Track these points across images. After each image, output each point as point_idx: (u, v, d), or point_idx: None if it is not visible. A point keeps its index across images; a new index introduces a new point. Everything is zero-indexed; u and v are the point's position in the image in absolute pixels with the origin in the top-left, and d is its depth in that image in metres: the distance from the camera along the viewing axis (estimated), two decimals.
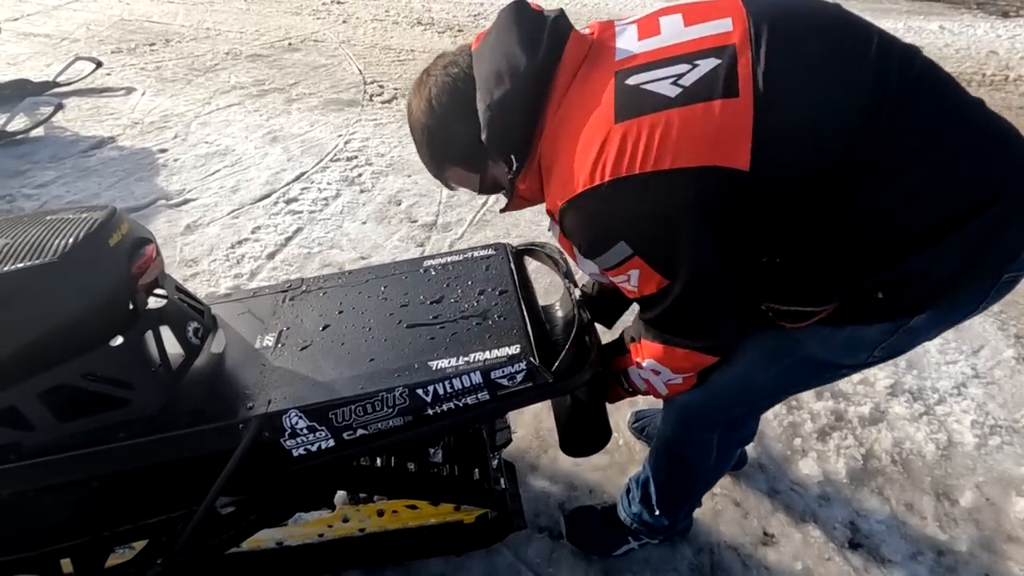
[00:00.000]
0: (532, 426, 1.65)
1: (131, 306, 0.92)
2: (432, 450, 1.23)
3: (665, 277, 0.78)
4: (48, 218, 0.89)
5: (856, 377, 1.79)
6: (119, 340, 0.91)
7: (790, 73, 0.71)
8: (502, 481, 1.29)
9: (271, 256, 2.42)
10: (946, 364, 1.84)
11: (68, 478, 0.91)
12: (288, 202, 2.80)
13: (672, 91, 0.71)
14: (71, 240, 0.83)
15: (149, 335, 0.95)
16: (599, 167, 0.74)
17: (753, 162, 0.69)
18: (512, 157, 0.85)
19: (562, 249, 0.99)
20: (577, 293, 1.08)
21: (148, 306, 0.96)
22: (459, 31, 5.88)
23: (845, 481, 1.49)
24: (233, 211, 2.74)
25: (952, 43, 5.07)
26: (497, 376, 0.91)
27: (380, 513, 1.25)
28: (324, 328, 1.07)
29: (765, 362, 0.92)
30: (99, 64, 4.57)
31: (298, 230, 2.60)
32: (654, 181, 0.72)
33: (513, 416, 1.66)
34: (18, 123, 3.51)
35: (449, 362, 0.93)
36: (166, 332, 0.98)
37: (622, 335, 1.03)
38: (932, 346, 1.91)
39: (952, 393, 1.73)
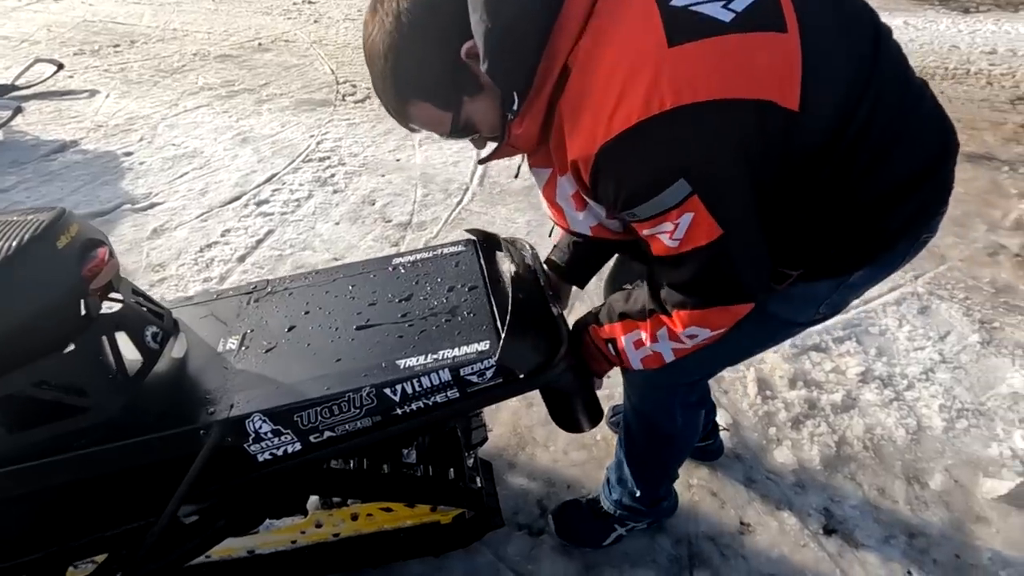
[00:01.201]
0: (510, 423, 1.64)
1: (83, 311, 0.88)
2: (405, 451, 1.21)
3: (719, 218, 0.70)
4: None
5: (828, 365, 1.81)
6: (72, 346, 0.87)
7: (819, 13, 0.70)
8: (478, 480, 1.27)
9: (242, 259, 2.37)
10: (914, 350, 1.87)
11: (21, 490, 0.87)
12: (259, 204, 2.75)
13: (725, 15, 0.66)
14: (15, 243, 0.79)
15: (105, 340, 0.92)
16: (657, 94, 0.64)
17: (801, 103, 0.67)
18: (514, 94, 0.74)
19: (553, 215, 0.91)
20: (547, 277, 1.07)
21: (103, 310, 0.92)
22: None
23: (819, 468, 1.51)
24: (202, 214, 2.68)
25: (916, 38, 5.19)
26: (467, 373, 0.90)
27: (354, 517, 1.23)
28: (290, 329, 1.04)
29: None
30: (60, 66, 4.45)
31: (269, 232, 2.55)
32: (721, 109, 0.65)
33: (490, 414, 1.65)
34: None
35: (418, 360, 0.91)
36: (125, 338, 0.95)
37: (601, 308, 0.98)
38: (901, 333, 1.94)
39: (921, 378, 1.77)
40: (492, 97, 0.75)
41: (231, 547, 1.21)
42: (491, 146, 0.86)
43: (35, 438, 0.86)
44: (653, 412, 1.15)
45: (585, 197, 0.80)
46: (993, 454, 1.53)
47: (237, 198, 2.81)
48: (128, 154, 3.26)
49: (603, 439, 1.59)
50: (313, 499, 1.22)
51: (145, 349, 0.96)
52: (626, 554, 1.32)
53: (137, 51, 5.27)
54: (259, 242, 2.48)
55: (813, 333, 1.94)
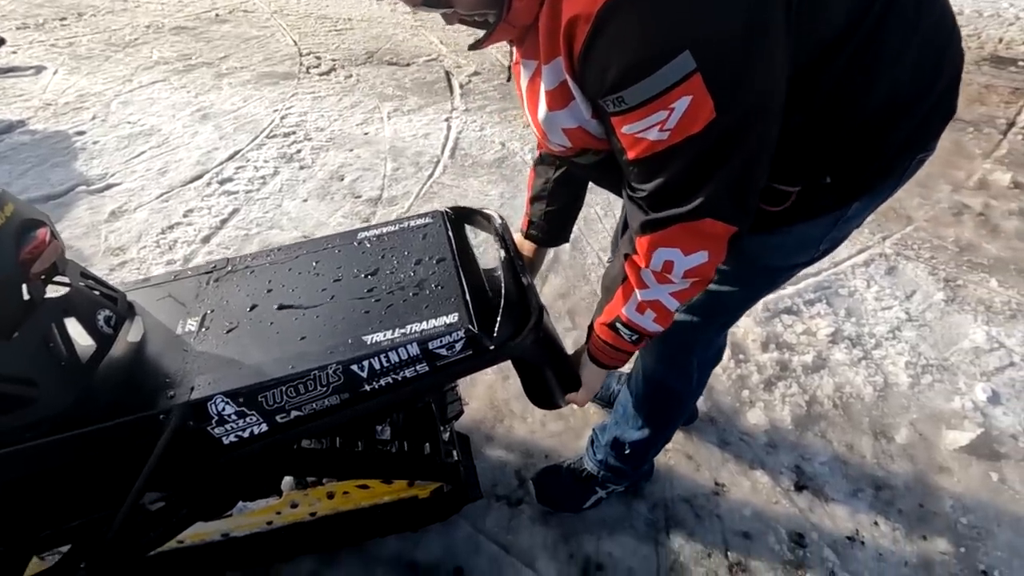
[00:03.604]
0: (487, 397, 1.63)
1: (26, 296, 0.83)
2: (380, 427, 1.19)
3: (719, 105, 0.61)
4: None
5: (799, 328, 1.84)
6: (16, 335, 0.83)
7: None
8: (454, 453, 1.27)
9: (206, 240, 2.30)
10: (882, 310, 1.91)
11: None
12: (222, 182, 2.65)
13: None
14: None
15: (53, 327, 0.87)
16: None
17: None
18: None
19: (528, 111, 0.81)
20: (516, 248, 1.05)
21: (48, 295, 0.87)
22: None
23: (790, 428, 1.54)
24: (162, 194, 2.58)
25: None
26: (435, 346, 0.88)
27: (330, 496, 1.21)
28: (252, 308, 1.01)
29: (730, 282, 0.92)
30: (2, 41, 4.19)
31: (234, 211, 2.47)
32: None
33: (466, 388, 1.64)
34: None
35: (385, 335, 0.89)
36: (77, 324, 0.91)
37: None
38: (869, 294, 1.98)
39: (888, 337, 1.81)
40: None
41: (204, 531, 1.19)
42: (463, 28, 0.78)
43: None
44: (669, 373, 1.12)
45: (570, 84, 0.70)
46: (956, 407, 1.58)
47: (199, 177, 2.70)
48: (80, 133, 3.10)
49: (581, 410, 1.59)
50: (287, 479, 1.21)
51: (98, 334, 0.92)
52: (603, 520, 1.33)
53: (85, 24, 4.99)
54: (224, 222, 2.40)
55: (785, 296, 1.96)
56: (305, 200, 2.55)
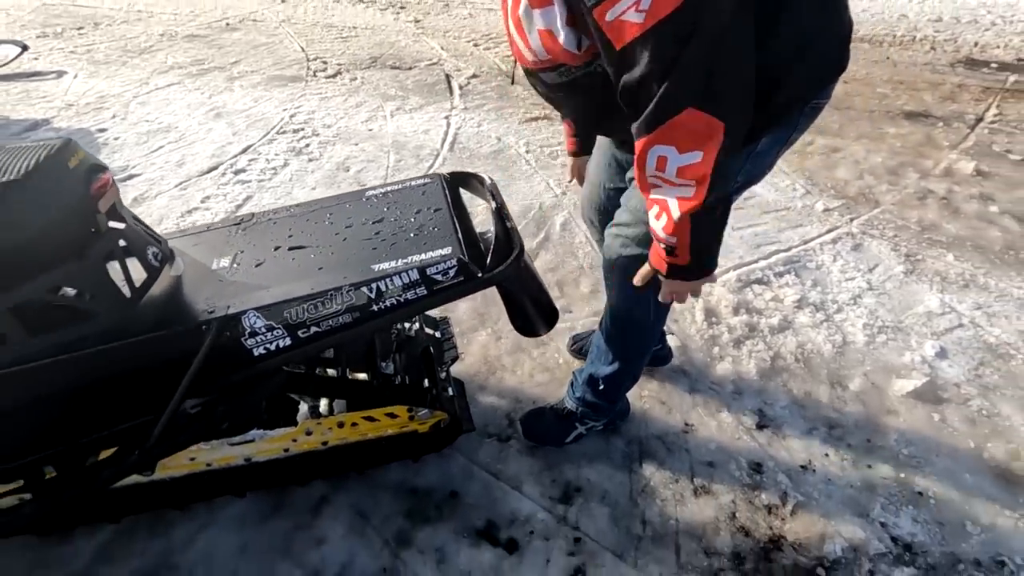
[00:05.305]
0: (480, 354, 1.79)
1: (93, 226, 1.00)
2: (384, 363, 1.36)
3: None
4: (7, 147, 0.97)
5: (768, 295, 2.01)
6: (83, 258, 0.99)
7: None
8: (450, 390, 1.43)
9: None
10: (845, 281, 2.08)
11: (41, 387, 1.00)
12: (236, 173, 2.84)
13: None
14: (33, 161, 0.91)
15: (113, 254, 1.04)
16: None
17: None
18: None
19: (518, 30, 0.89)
20: (503, 200, 1.23)
21: (110, 227, 1.05)
22: (401, 8, 5.89)
23: (755, 378, 1.70)
24: (181, 183, 2.76)
25: (869, 8, 5.42)
26: (432, 272, 1.05)
27: (340, 425, 1.37)
28: (276, 249, 1.18)
29: None
30: (25, 48, 4.42)
31: (248, 198, 2.65)
32: None
33: (463, 345, 1.80)
34: None
35: (390, 264, 1.06)
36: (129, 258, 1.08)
37: None
38: (835, 267, 2.14)
39: (849, 303, 1.97)
40: None
41: (231, 455, 1.35)
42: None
43: (52, 340, 0.99)
44: (631, 304, 1.27)
45: None
46: (906, 361, 1.74)
47: (214, 168, 2.89)
48: (102, 130, 3.30)
49: (565, 363, 1.75)
50: (303, 410, 1.37)
51: (148, 265, 1.09)
52: (584, 453, 1.49)
53: (102, 33, 5.23)
54: (239, 207, 2.58)
55: (756, 269, 2.13)
56: (313, 188, 2.73)
